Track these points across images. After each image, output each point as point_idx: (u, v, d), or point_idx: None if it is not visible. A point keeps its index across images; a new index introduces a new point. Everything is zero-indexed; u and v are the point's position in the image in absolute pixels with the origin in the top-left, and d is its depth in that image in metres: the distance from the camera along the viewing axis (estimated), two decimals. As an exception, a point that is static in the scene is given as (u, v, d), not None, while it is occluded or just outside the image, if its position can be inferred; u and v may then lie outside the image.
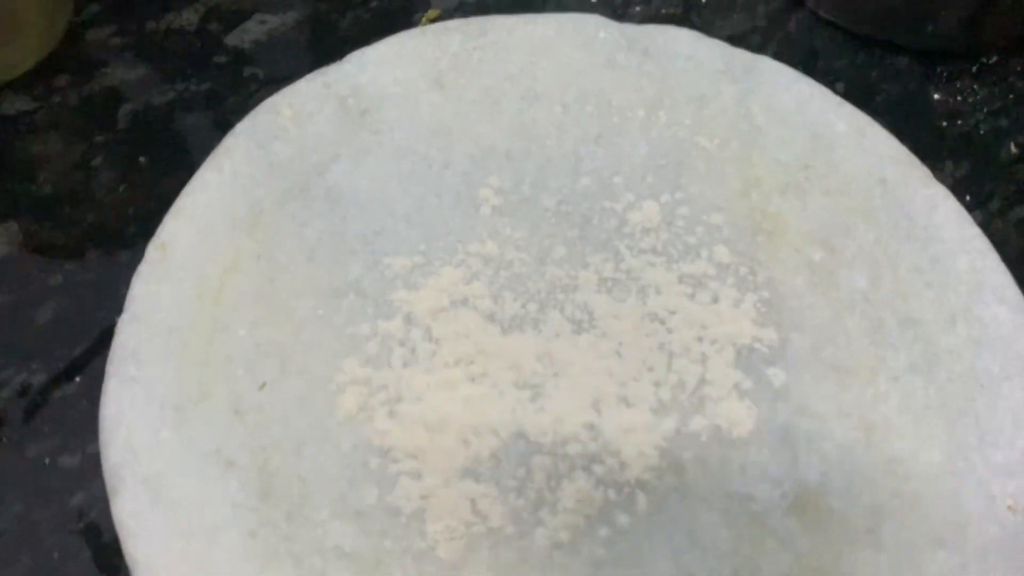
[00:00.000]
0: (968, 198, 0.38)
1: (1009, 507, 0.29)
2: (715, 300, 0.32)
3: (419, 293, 0.32)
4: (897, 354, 0.32)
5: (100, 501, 0.29)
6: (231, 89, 0.40)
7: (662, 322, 0.32)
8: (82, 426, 0.31)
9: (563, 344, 0.31)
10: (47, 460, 0.31)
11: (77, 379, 0.32)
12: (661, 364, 0.31)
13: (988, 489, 0.29)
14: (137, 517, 0.28)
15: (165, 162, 0.38)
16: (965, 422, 0.30)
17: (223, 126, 0.37)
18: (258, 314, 0.32)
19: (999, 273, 0.33)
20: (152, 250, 0.33)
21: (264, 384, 0.30)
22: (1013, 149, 0.40)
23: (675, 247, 0.34)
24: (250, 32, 0.42)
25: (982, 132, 0.41)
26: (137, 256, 0.33)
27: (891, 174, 0.36)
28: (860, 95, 0.40)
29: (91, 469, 0.30)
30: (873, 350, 0.32)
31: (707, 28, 0.42)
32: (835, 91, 0.37)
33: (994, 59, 0.43)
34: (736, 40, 0.40)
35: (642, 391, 0.31)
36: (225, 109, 0.39)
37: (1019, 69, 0.43)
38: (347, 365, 0.31)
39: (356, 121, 0.37)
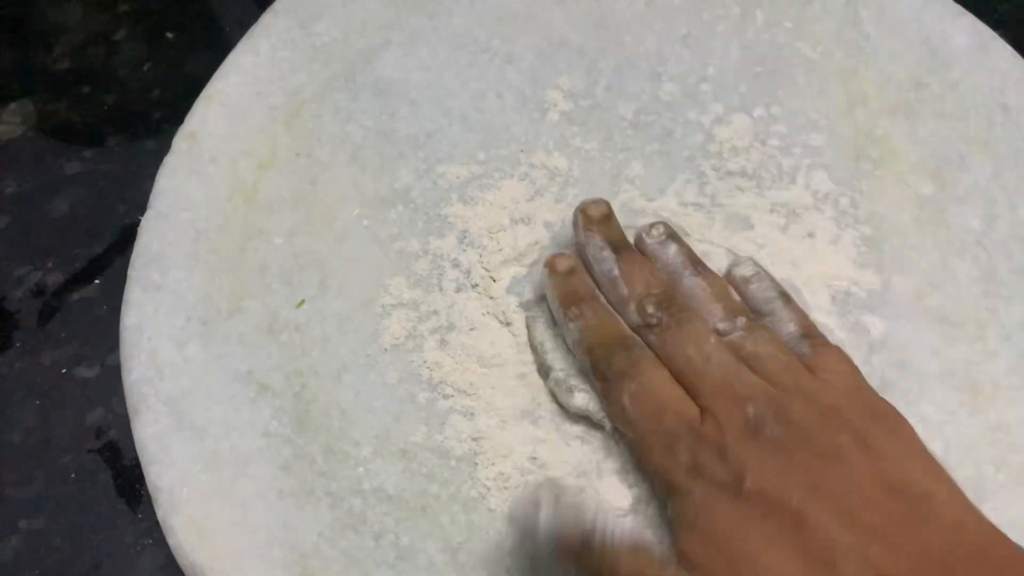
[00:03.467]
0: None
1: None
2: (811, 235, 0.29)
3: (476, 208, 0.29)
4: (1010, 307, 0.28)
5: (120, 419, 0.26)
6: (271, -43, 0.36)
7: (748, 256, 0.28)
8: (101, 334, 0.28)
9: (636, 275, 0.28)
10: (63, 370, 0.28)
11: (96, 281, 0.30)
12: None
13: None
14: (160, 441, 0.25)
15: (196, 39, 0.34)
16: (1088, 392, 0.27)
17: (262, 0, 0.33)
18: (296, 220, 0.29)
19: None
20: (180, 140, 0.30)
21: (302, 301, 0.27)
22: None
23: (768, 170, 0.30)
24: None
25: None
26: (163, 145, 0.29)
27: (1015, 99, 0.31)
28: (984, 4, 0.35)
29: (110, 383, 0.27)
30: (983, 301, 0.28)
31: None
32: (957, -2, 0.33)
33: None
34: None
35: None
36: (264, -20, 0.35)
37: None
38: (394, 285, 0.28)
39: (411, 2, 0.32)
